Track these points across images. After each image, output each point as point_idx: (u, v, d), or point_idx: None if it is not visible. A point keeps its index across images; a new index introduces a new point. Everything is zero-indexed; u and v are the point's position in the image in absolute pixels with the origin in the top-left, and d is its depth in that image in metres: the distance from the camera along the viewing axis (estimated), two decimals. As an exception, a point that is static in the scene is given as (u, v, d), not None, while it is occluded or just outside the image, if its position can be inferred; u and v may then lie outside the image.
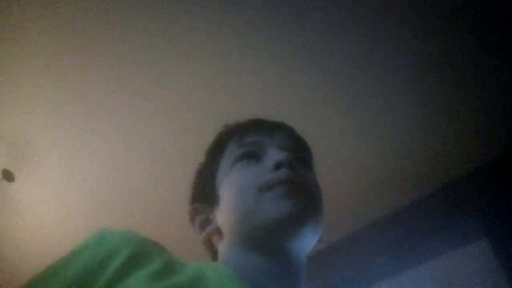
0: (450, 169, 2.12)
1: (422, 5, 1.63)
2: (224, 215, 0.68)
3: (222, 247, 0.68)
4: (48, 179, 2.15)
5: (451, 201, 2.10)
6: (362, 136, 2.04)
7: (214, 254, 0.72)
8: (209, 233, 0.69)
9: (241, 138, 0.72)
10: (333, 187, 2.07)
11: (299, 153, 0.71)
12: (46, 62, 1.80)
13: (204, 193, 0.74)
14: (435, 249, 2.10)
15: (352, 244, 2.32)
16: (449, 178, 2.14)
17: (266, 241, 0.63)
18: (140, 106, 1.95)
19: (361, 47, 1.76)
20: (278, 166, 0.65)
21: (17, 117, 1.97)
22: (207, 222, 0.70)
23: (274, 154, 0.67)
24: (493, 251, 1.92)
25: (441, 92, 1.89)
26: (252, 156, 0.70)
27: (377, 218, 2.30)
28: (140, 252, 0.54)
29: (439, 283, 2.07)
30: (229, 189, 0.69)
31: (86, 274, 0.51)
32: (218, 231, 0.69)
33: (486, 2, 1.62)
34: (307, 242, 0.65)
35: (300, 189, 0.64)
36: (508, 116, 1.95)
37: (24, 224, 2.26)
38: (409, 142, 2.05)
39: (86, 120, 1.98)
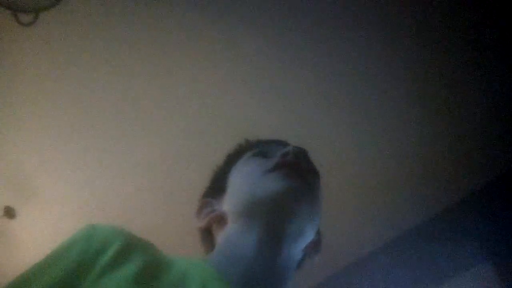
0: (453, 192, 2.13)
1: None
2: (230, 196, 0.73)
3: (222, 232, 0.71)
4: (49, 215, 2.17)
5: (454, 225, 2.10)
6: (361, 154, 2.05)
7: (210, 248, 0.74)
8: (212, 217, 0.73)
9: (259, 148, 0.80)
10: (335, 211, 2.08)
11: (309, 166, 0.75)
12: (45, 99, 1.85)
13: (214, 187, 0.79)
14: (438, 274, 2.08)
15: (356, 269, 2.31)
16: (452, 201, 2.14)
17: (265, 216, 0.66)
18: (136, 140, 1.99)
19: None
20: (284, 155, 0.71)
21: (18, 155, 2.01)
22: (212, 212, 0.74)
23: (282, 149, 0.74)
24: (496, 275, 1.91)
25: (443, 114, 1.91)
26: (264, 155, 0.76)
27: (380, 243, 2.29)
28: (129, 247, 0.56)
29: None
30: (238, 174, 0.75)
31: (77, 269, 0.51)
32: (220, 218, 0.72)
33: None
34: (302, 230, 0.67)
35: (302, 173, 0.69)
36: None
37: (25, 260, 2.25)
38: (412, 164, 2.05)
39: (86, 156, 2.01)
